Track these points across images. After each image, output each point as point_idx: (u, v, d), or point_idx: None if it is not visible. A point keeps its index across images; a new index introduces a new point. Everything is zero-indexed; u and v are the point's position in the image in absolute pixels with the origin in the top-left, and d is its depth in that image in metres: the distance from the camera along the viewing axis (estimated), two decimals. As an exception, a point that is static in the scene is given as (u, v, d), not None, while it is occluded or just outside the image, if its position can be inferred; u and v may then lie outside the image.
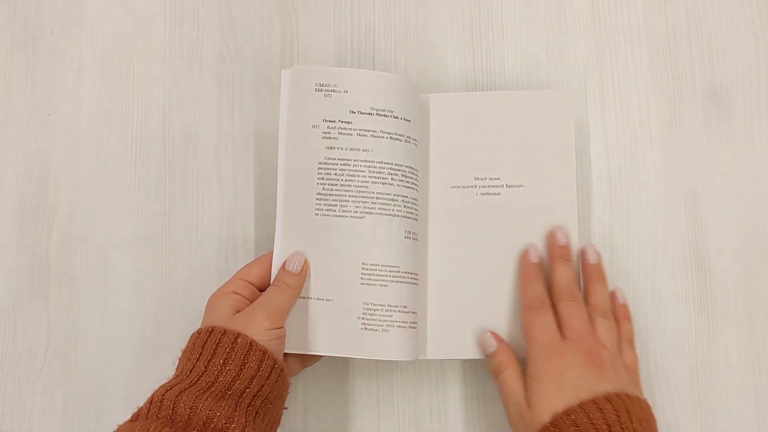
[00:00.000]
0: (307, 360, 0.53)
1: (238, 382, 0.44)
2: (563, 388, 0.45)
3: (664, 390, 0.55)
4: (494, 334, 0.51)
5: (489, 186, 0.54)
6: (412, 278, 0.52)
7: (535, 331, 0.48)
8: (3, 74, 0.62)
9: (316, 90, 0.52)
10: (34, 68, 0.62)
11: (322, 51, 0.61)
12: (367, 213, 0.51)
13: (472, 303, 0.53)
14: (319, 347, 0.51)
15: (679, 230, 0.58)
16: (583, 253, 0.53)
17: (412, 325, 0.51)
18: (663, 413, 0.55)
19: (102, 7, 0.63)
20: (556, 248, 0.52)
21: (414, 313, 0.52)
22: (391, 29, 0.62)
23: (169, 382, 0.45)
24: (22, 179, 0.60)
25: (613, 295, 0.53)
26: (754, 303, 0.56)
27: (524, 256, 0.52)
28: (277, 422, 0.48)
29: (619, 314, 0.52)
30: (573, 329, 0.48)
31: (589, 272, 0.52)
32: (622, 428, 0.42)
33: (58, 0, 0.63)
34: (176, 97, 0.61)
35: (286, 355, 0.51)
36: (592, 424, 0.42)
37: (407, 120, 0.53)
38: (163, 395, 0.43)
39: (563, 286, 0.50)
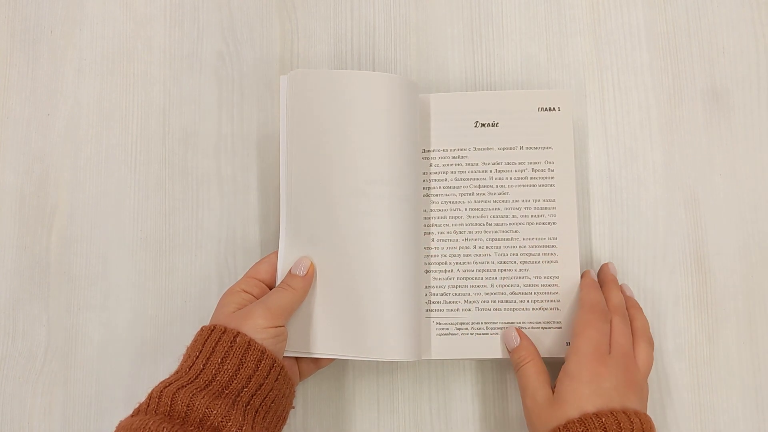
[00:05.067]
0: (321, 361, 0.53)
1: (235, 380, 0.45)
2: (598, 393, 0.46)
3: (664, 390, 0.55)
4: (518, 330, 0.52)
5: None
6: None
7: (589, 330, 0.49)
8: (3, 74, 0.62)
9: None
10: (34, 68, 0.62)
11: (322, 51, 0.61)
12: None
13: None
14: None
15: (679, 230, 0.58)
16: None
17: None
18: (663, 413, 0.55)
19: (102, 7, 0.63)
20: (610, 275, 0.55)
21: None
22: (391, 29, 0.62)
23: (169, 378, 0.46)
24: (22, 179, 0.60)
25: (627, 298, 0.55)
26: (754, 303, 0.56)
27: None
28: (282, 421, 0.49)
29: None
30: (619, 344, 0.49)
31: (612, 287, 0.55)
32: None
33: (58, 0, 0.63)
34: (176, 97, 0.61)
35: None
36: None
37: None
38: (162, 391, 0.44)
39: (617, 305, 0.52)
